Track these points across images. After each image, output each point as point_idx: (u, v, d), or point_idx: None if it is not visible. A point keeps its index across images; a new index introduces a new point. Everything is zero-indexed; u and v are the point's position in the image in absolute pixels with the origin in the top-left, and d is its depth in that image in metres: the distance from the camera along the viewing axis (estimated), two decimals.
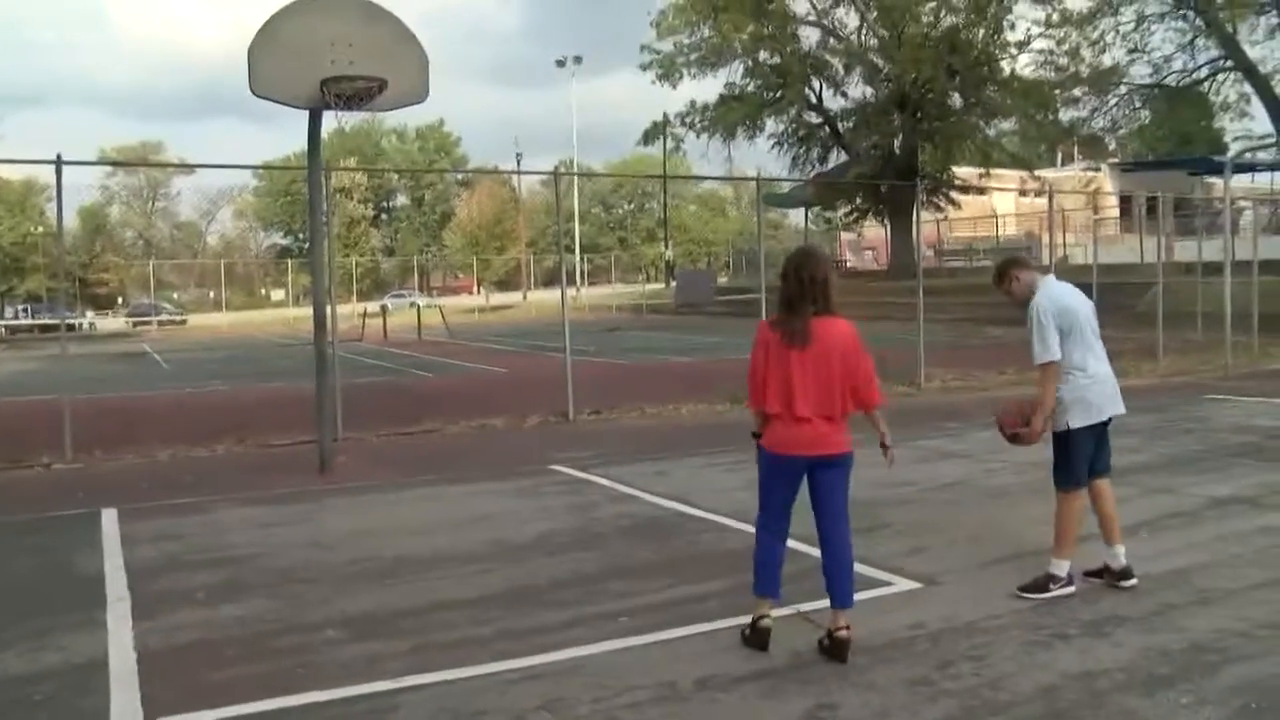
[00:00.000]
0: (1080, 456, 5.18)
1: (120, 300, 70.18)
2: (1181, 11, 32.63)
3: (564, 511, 7.35)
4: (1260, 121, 34.56)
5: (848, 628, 4.37)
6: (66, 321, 12.93)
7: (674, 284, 50.36)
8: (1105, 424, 5.25)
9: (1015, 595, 5.08)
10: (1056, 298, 5.16)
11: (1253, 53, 32.26)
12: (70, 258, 61.01)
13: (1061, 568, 5.13)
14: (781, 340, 4.34)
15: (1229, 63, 32.76)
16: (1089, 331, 5.21)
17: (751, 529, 6.51)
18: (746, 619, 4.58)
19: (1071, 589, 5.10)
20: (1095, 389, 5.16)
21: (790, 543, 6.23)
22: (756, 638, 4.45)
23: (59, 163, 9.96)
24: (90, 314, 57.68)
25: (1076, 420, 5.13)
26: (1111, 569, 5.20)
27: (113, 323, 56.81)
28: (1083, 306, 5.22)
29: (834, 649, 4.35)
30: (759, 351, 4.42)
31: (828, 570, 4.49)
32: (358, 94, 8.59)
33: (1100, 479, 5.30)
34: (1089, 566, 5.28)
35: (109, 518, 7.36)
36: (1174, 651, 4.24)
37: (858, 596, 5.12)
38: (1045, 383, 5.10)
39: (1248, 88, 33.17)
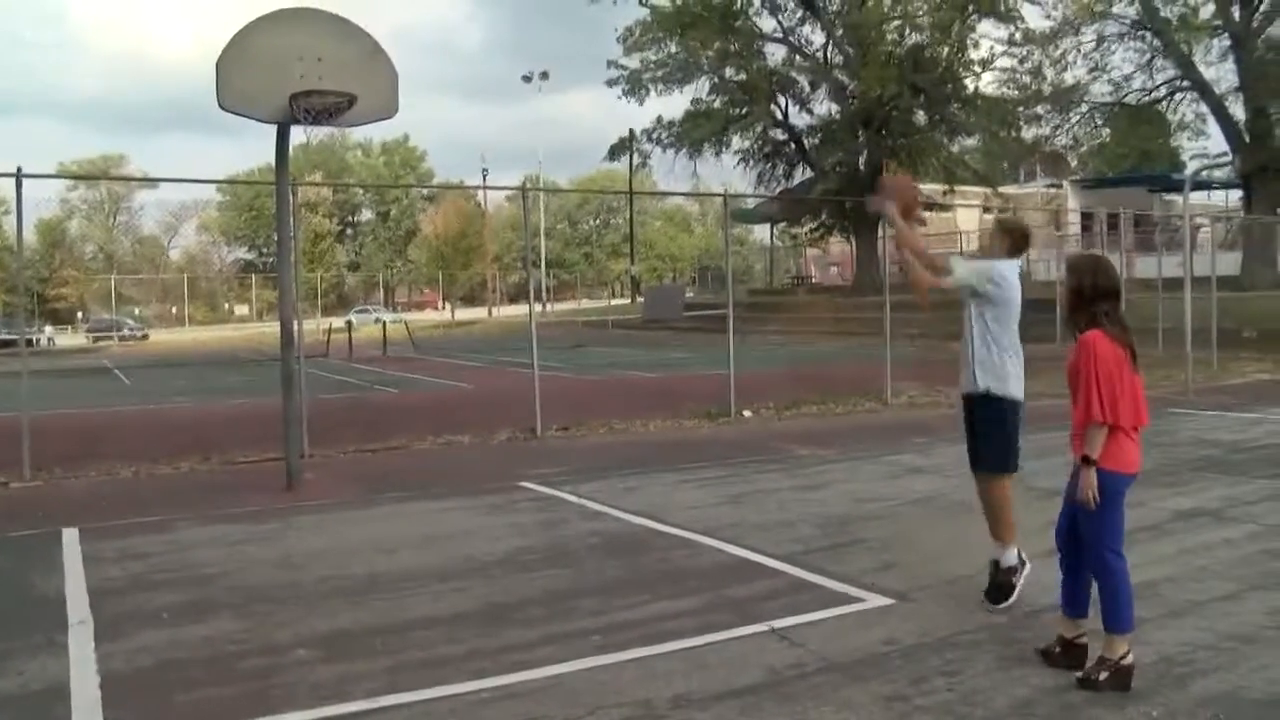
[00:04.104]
0: (1018, 434, 5.27)
1: (80, 315, 69.24)
2: (1140, 32, 33.23)
3: (534, 528, 7.30)
4: (1216, 140, 35.25)
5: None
6: (25, 337, 12.72)
7: (641, 299, 50.42)
8: None
9: (987, 610, 5.12)
10: (1011, 277, 5.24)
11: (1207, 73, 32.94)
12: (29, 272, 60.15)
13: (1012, 555, 5.24)
14: (1125, 355, 4.25)
15: (1185, 83, 33.36)
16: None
17: (723, 545, 6.58)
18: (717, 637, 4.52)
19: (1028, 568, 5.22)
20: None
21: (764, 560, 6.28)
22: (1124, 677, 4.15)
23: (19, 175, 9.78)
24: (49, 329, 56.79)
25: (1020, 391, 5.24)
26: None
27: (72, 338, 56.06)
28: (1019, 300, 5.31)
29: (1120, 679, 4.15)
30: (1114, 362, 4.20)
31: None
32: (327, 109, 8.54)
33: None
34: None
35: (70, 537, 7.21)
36: (1144, 665, 4.26)
37: (830, 613, 5.17)
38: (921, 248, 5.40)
39: (1204, 107, 33.83)
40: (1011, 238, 5.37)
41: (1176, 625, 4.85)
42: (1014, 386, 5.22)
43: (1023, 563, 5.23)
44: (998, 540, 5.29)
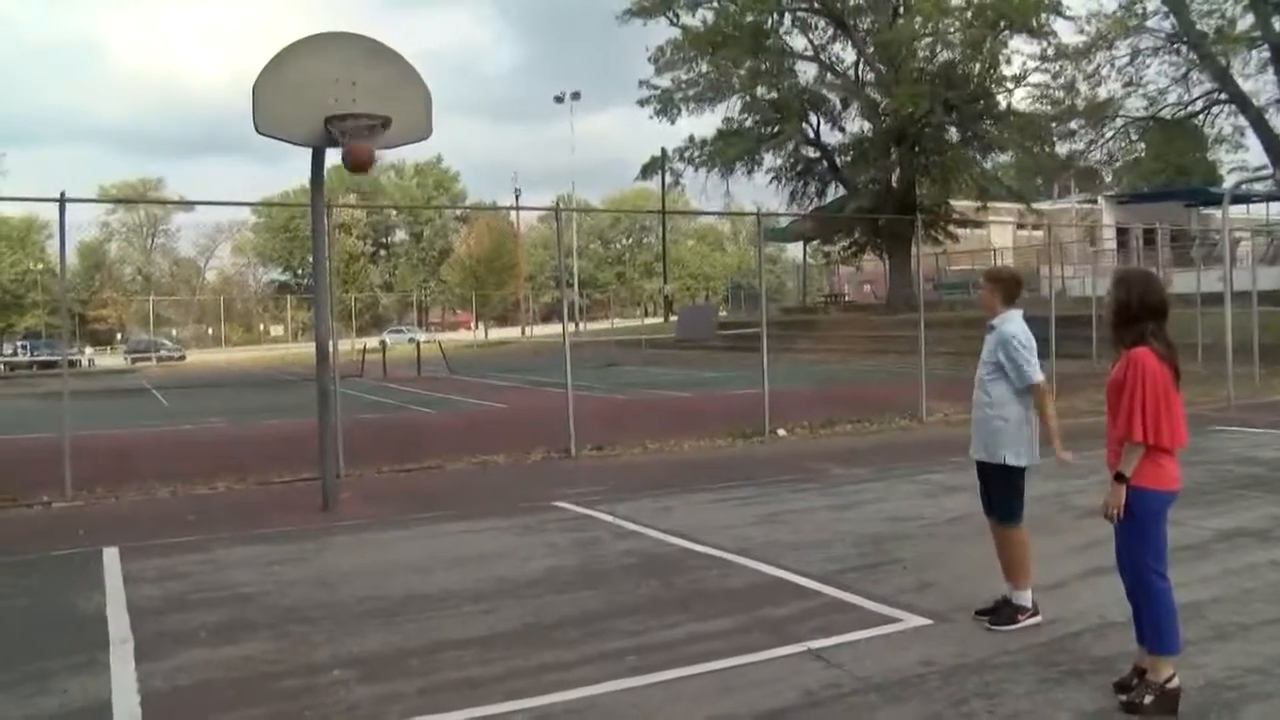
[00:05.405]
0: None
1: (119, 336, 70.27)
2: (1175, 46, 32.88)
3: (568, 548, 7.30)
4: (1255, 153, 34.78)
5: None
6: (67, 358, 12.90)
7: (675, 319, 50.36)
8: None
9: (986, 629, 5.11)
10: (1028, 336, 5.21)
11: (1246, 86, 32.50)
12: (70, 294, 61.15)
13: (1025, 598, 5.19)
14: (1170, 373, 4.18)
15: (1223, 95, 32.98)
16: None
17: (758, 565, 6.54)
18: (753, 657, 4.48)
19: (1039, 619, 5.15)
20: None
21: (799, 580, 6.23)
22: (1170, 701, 4.07)
23: (62, 200, 9.96)
24: (89, 350, 57.71)
25: (1029, 458, 5.21)
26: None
27: (111, 359, 56.84)
28: None
29: (1167, 703, 4.07)
30: (1161, 383, 4.13)
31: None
32: (361, 131, 8.62)
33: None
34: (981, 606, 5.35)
35: (110, 556, 7.30)
36: (1190, 689, 4.18)
37: (867, 634, 5.12)
38: (1047, 402, 5.17)
39: (1242, 120, 33.36)
40: (1003, 286, 5.35)
41: (1223, 649, 4.75)
42: (1026, 455, 5.17)
43: (1035, 610, 5.17)
44: (1011, 582, 5.25)
